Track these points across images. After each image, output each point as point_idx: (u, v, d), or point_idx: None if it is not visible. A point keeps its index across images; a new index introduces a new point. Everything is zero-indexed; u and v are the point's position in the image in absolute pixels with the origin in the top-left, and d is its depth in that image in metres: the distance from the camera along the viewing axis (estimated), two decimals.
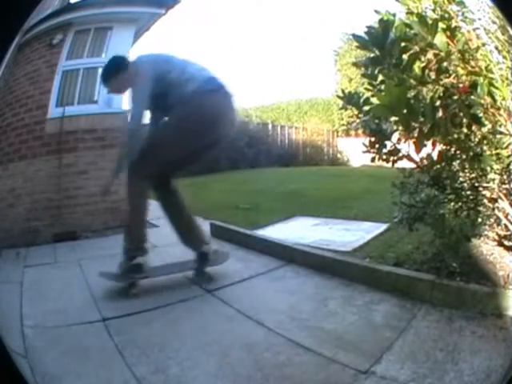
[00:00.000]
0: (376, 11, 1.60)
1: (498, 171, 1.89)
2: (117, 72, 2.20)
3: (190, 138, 2.13)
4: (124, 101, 3.86)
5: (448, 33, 1.54)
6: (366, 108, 1.90)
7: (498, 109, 1.64)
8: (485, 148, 1.81)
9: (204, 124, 2.15)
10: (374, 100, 1.74)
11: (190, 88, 2.11)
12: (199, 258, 2.35)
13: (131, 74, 2.16)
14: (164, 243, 3.25)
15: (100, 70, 3.68)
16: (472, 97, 1.56)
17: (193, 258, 2.37)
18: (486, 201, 1.88)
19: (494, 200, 1.88)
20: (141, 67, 2.18)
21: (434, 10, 1.57)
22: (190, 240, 2.37)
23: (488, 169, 1.85)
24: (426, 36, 1.50)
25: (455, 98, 1.56)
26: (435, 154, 1.81)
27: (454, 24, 1.58)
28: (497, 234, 1.99)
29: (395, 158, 1.95)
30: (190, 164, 2.41)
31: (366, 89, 1.86)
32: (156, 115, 2.33)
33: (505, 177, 1.88)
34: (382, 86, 1.70)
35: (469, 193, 1.90)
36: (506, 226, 1.91)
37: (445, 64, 1.60)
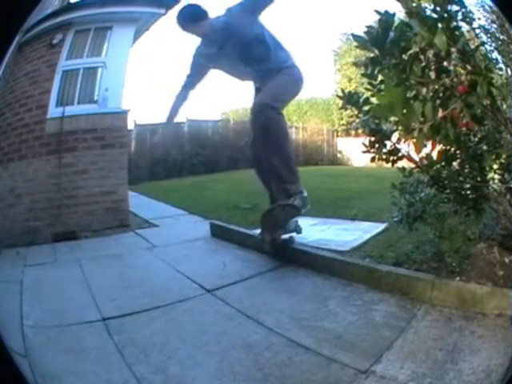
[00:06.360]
0: (376, 11, 1.59)
1: (498, 171, 1.90)
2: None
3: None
4: (121, 100, 3.88)
5: (448, 33, 1.54)
6: (366, 108, 1.90)
7: (498, 109, 1.64)
8: (485, 148, 1.81)
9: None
10: (374, 100, 1.74)
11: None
12: None
13: None
14: (164, 243, 3.26)
15: (99, 70, 3.70)
16: (472, 97, 1.56)
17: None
18: (485, 200, 1.88)
19: (493, 199, 1.88)
20: None
21: (434, 10, 1.56)
22: None
23: (488, 169, 1.85)
24: (426, 36, 1.50)
25: (455, 98, 1.55)
26: (435, 154, 1.81)
27: (453, 24, 1.57)
28: (497, 233, 1.99)
29: (395, 157, 1.95)
30: None
31: (365, 88, 1.85)
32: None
33: (505, 176, 1.88)
34: (382, 86, 1.70)
35: (469, 192, 1.90)
36: (506, 226, 1.91)
37: (445, 64, 1.59)
